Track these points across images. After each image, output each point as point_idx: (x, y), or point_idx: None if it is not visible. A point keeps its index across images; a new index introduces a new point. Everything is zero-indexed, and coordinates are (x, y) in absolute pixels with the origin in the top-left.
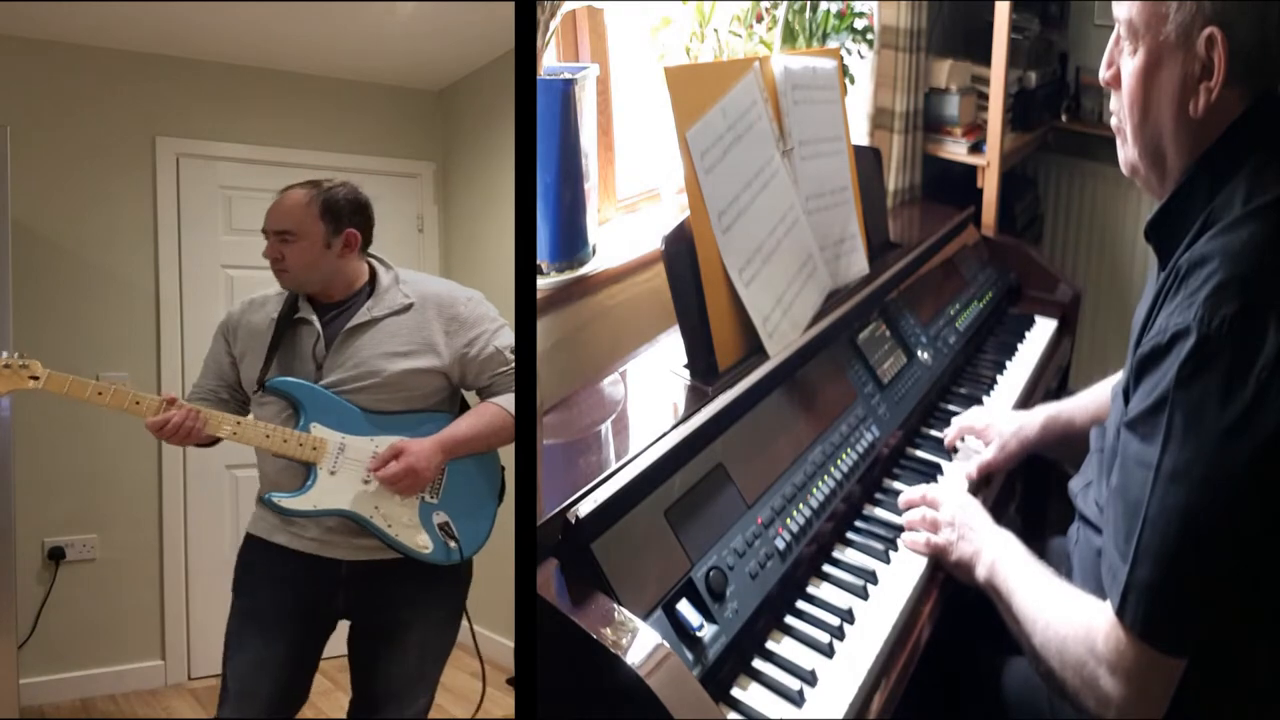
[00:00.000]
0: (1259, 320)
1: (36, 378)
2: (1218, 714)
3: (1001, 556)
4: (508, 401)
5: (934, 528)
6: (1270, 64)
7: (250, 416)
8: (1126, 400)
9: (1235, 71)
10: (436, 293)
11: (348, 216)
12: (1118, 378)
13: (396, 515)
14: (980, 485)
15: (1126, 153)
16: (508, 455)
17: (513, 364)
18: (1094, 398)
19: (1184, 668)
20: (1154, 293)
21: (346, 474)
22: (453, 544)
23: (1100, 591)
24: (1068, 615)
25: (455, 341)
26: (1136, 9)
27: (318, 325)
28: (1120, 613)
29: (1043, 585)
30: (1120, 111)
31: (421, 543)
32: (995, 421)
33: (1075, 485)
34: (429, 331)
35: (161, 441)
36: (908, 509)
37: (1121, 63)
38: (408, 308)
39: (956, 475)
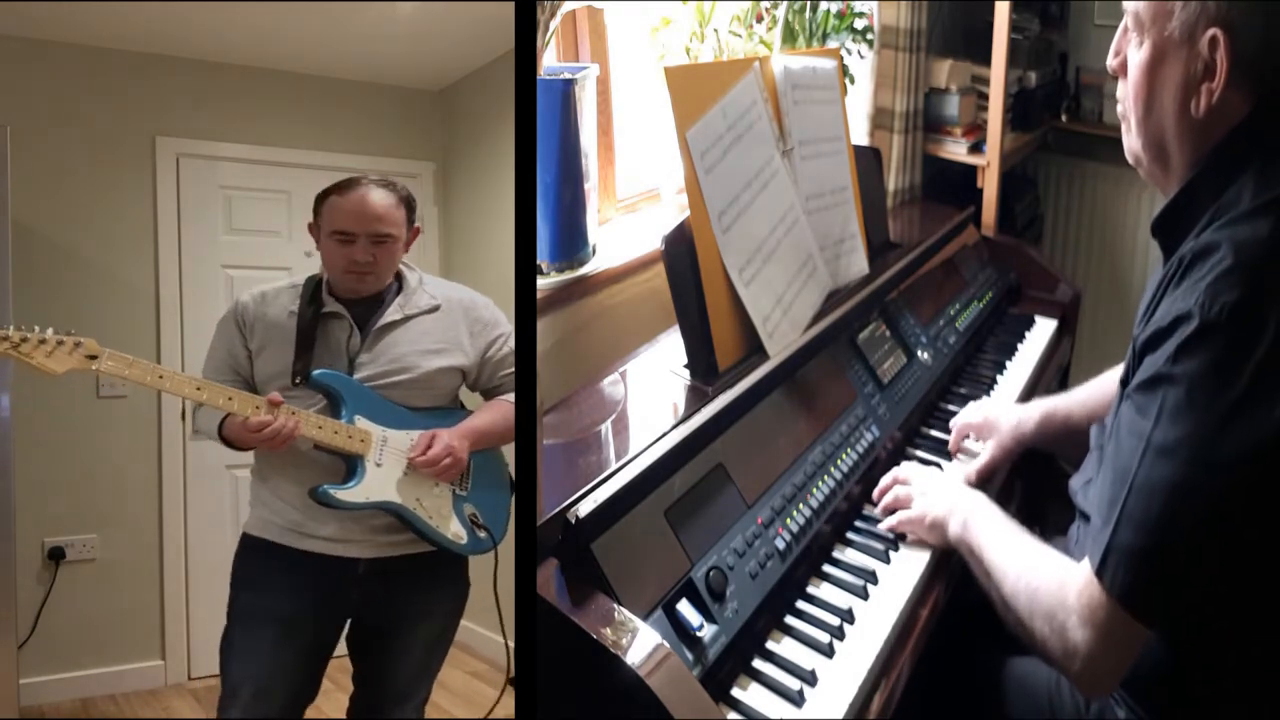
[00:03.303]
0: (1259, 310)
1: (94, 356)
2: (1198, 701)
3: (974, 512)
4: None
5: (907, 502)
6: (1270, 71)
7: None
8: (1125, 385)
9: (1238, 74)
10: (459, 296)
11: (414, 213)
12: (1117, 370)
13: (435, 507)
14: (980, 485)
15: (1130, 141)
16: (508, 452)
17: None
18: (1091, 392)
19: (1150, 637)
20: (1157, 283)
21: (390, 467)
22: (483, 534)
23: None
24: (1040, 567)
25: (479, 342)
26: (1144, 3)
27: (350, 319)
28: (1099, 573)
29: (1016, 539)
30: (1125, 101)
31: (458, 533)
32: (992, 417)
33: (1075, 483)
34: (457, 332)
35: (161, 441)
36: (880, 497)
37: (1129, 53)
38: (435, 308)
39: (956, 474)
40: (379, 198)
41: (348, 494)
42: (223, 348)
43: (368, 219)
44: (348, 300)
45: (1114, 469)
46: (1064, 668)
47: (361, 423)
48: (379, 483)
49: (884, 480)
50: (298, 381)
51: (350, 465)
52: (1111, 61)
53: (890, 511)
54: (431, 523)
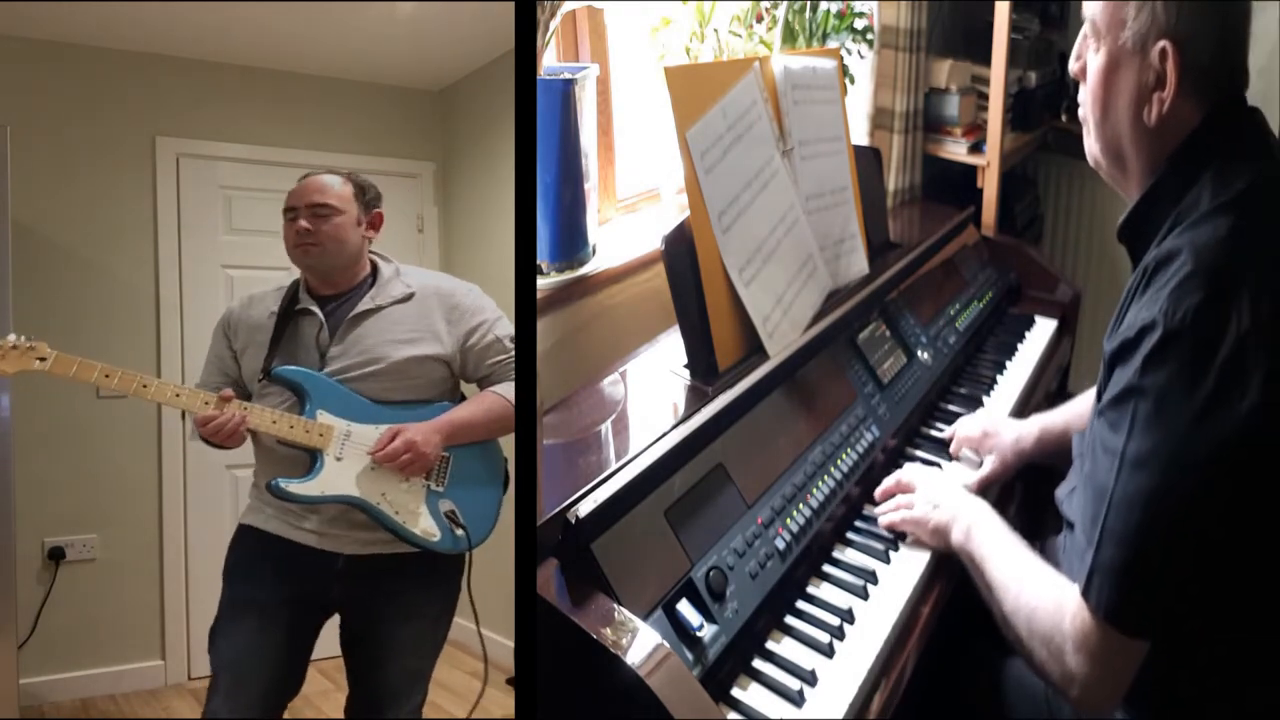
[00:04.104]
0: (1222, 310)
1: (44, 359)
2: (1184, 702)
3: (977, 521)
4: (506, 390)
5: (910, 505)
6: (1224, 78)
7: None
8: (1100, 399)
9: (1189, 84)
10: (437, 284)
11: (374, 200)
12: None
13: (403, 503)
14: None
15: (1090, 144)
16: (508, 447)
17: (511, 353)
18: (1088, 403)
19: (1146, 650)
20: (1124, 293)
21: (352, 461)
22: (460, 532)
23: None
24: (1038, 589)
25: (457, 330)
26: (1099, 9)
27: (320, 314)
28: (1085, 594)
29: (1016, 555)
30: (1085, 105)
31: (428, 530)
32: (992, 432)
33: (1061, 492)
34: (431, 320)
35: (161, 441)
36: (884, 499)
37: (1087, 58)
38: (409, 297)
39: (958, 478)
40: (321, 177)
41: (300, 487)
42: (213, 353)
43: (306, 193)
44: (323, 297)
45: (1092, 488)
46: (1062, 691)
47: (324, 417)
48: (337, 477)
49: (887, 482)
50: (261, 378)
51: (311, 459)
52: (1073, 65)
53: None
54: (398, 518)
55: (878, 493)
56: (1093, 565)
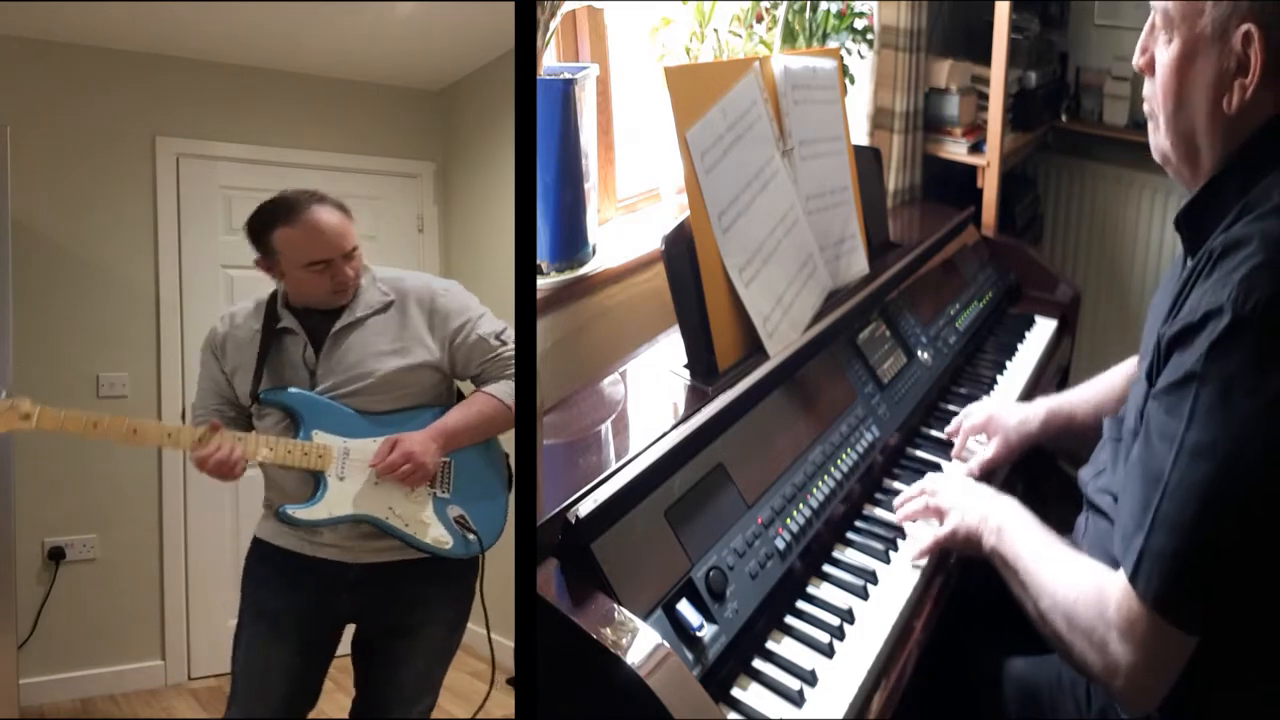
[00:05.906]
0: None
1: (28, 416)
2: (1238, 701)
3: (1007, 522)
4: (498, 389)
5: (938, 515)
6: None
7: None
8: (1149, 381)
9: (1271, 69)
10: (414, 287)
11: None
12: (1121, 368)
13: (411, 513)
14: (982, 480)
15: (1158, 140)
16: (510, 446)
17: (500, 350)
18: (1095, 390)
19: (1194, 646)
20: (1182, 277)
21: (355, 478)
22: (471, 536)
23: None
24: (1077, 580)
25: (440, 334)
26: (1174, 1)
27: (302, 332)
28: (1133, 579)
29: (1050, 550)
30: (1153, 99)
31: (439, 538)
32: (997, 415)
33: (1086, 474)
34: (415, 327)
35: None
36: (905, 504)
37: (1156, 51)
38: (388, 305)
39: (957, 473)
40: (332, 219)
41: (307, 513)
42: (206, 376)
43: (337, 241)
44: (302, 311)
45: (1144, 472)
46: (1106, 684)
47: (320, 437)
48: (342, 497)
49: (908, 491)
50: (252, 403)
51: (314, 481)
52: (1138, 60)
53: (916, 519)
54: (408, 530)
55: (897, 504)
56: (1143, 549)
